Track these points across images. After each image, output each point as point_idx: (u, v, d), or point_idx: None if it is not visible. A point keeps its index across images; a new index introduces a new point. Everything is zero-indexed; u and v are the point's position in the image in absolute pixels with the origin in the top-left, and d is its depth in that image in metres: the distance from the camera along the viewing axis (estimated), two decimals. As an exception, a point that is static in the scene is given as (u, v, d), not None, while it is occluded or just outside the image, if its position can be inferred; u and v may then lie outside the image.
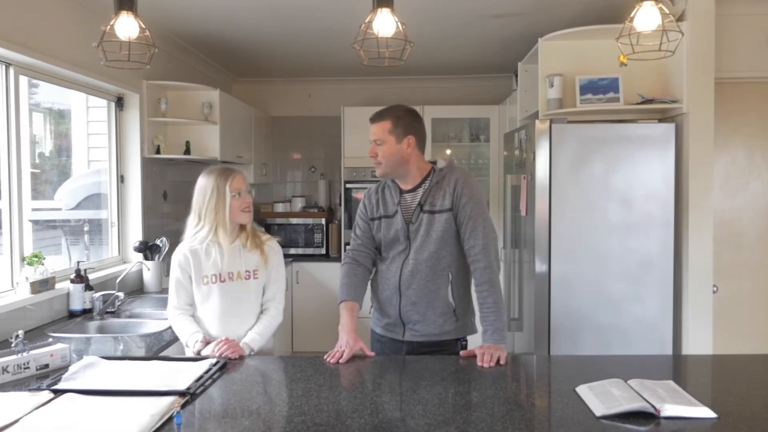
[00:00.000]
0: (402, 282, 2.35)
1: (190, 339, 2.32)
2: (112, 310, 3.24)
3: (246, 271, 2.38)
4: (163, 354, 2.58)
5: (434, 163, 2.44)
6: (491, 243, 2.32)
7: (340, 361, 2.13)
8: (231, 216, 2.34)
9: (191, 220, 2.38)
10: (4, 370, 1.96)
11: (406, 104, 2.45)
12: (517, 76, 4.42)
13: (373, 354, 2.24)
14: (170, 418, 1.60)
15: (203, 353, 2.26)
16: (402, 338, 2.38)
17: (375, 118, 2.40)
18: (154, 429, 1.54)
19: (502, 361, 2.11)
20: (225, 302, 2.35)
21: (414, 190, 2.39)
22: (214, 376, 1.96)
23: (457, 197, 2.32)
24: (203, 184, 2.36)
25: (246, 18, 3.91)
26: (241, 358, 2.22)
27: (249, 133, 5.31)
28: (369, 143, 2.47)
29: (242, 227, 2.41)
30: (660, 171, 3.32)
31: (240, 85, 6.03)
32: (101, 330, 3.10)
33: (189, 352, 2.37)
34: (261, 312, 2.44)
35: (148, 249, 3.84)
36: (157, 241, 3.90)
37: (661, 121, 3.54)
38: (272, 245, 2.47)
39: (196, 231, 2.36)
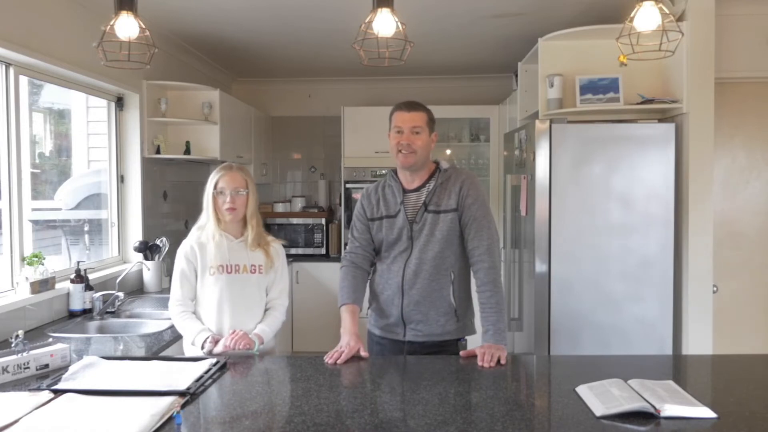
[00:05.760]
0: (405, 282, 2.35)
1: (197, 338, 2.33)
2: (112, 310, 3.24)
3: (251, 265, 2.42)
4: (163, 354, 2.57)
5: (437, 163, 2.44)
6: (495, 244, 2.33)
7: (338, 361, 2.13)
8: (219, 212, 2.40)
9: (202, 214, 2.46)
10: (4, 370, 1.96)
11: None
12: (517, 76, 4.42)
13: (367, 354, 2.23)
14: (170, 418, 1.60)
15: (215, 352, 2.27)
16: (403, 338, 2.38)
17: (413, 107, 2.36)
18: (154, 429, 1.54)
19: (502, 361, 2.11)
20: (230, 293, 2.37)
21: (418, 189, 2.39)
22: (214, 376, 1.96)
23: (462, 198, 2.33)
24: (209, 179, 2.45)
25: (246, 18, 3.91)
26: (249, 356, 2.23)
27: (249, 133, 5.31)
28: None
29: (246, 223, 2.44)
30: (660, 171, 3.31)
31: (240, 85, 6.03)
32: (101, 330, 3.10)
33: (193, 350, 2.37)
34: (266, 310, 2.47)
35: (148, 249, 3.84)
36: (157, 241, 3.90)
37: (661, 121, 3.54)
38: (277, 246, 2.52)
39: (201, 225, 2.44)
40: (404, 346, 2.38)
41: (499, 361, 2.10)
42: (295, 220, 5.64)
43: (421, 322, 2.35)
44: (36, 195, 3.32)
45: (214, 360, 2.10)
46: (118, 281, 3.47)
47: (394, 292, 2.37)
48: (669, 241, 3.32)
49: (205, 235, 2.41)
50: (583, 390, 1.79)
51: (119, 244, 3.99)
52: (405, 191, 2.40)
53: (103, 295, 3.25)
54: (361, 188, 5.37)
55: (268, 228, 5.55)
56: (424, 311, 2.34)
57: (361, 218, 2.48)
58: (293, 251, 5.56)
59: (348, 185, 5.47)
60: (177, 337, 2.68)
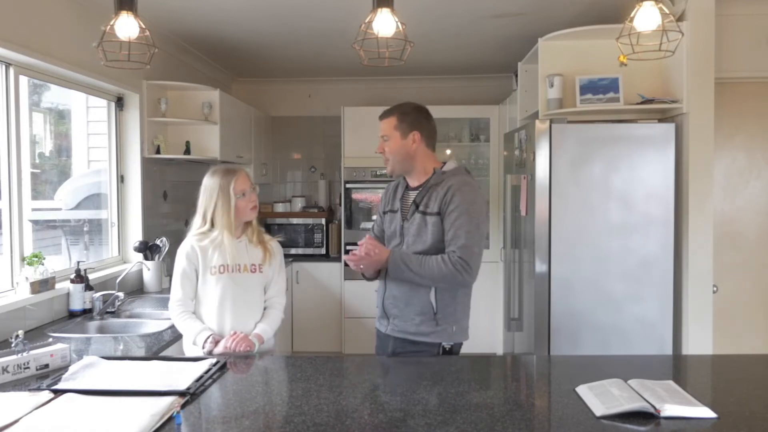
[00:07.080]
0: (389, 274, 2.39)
1: (198, 337, 2.33)
2: (112, 310, 3.24)
3: (252, 265, 2.43)
4: (163, 354, 2.57)
5: (444, 164, 2.44)
6: (468, 251, 2.24)
7: (358, 258, 2.28)
8: (237, 215, 2.39)
9: (196, 220, 2.43)
10: (4, 370, 1.96)
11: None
12: (517, 76, 4.42)
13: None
14: (170, 418, 1.60)
15: (215, 352, 2.28)
16: (386, 331, 2.43)
17: (382, 115, 2.44)
18: (154, 429, 1.54)
19: (363, 252, 2.26)
20: (232, 293, 2.38)
21: (417, 188, 2.43)
22: (214, 376, 1.96)
23: (445, 204, 2.30)
24: (208, 186, 2.40)
25: (246, 18, 3.91)
26: (249, 356, 2.23)
27: (249, 133, 5.31)
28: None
29: (248, 223, 2.46)
30: (660, 171, 3.32)
31: (240, 85, 6.03)
32: (101, 330, 3.10)
33: (195, 350, 2.37)
34: (264, 309, 2.48)
35: (148, 249, 3.84)
36: (157, 241, 3.90)
37: (661, 121, 3.54)
38: (274, 245, 2.54)
39: (202, 231, 2.40)
40: (389, 341, 2.42)
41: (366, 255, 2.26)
42: (295, 220, 5.64)
43: (397, 317, 2.38)
44: (36, 195, 3.32)
45: (214, 360, 2.10)
46: (118, 281, 3.47)
47: (380, 284, 2.46)
48: (669, 241, 3.32)
49: (209, 239, 2.38)
50: (583, 390, 1.79)
51: (119, 244, 3.99)
52: (408, 189, 2.47)
53: (103, 295, 3.25)
54: (361, 188, 5.42)
55: (268, 228, 5.56)
56: (401, 306, 2.37)
57: (379, 212, 2.61)
58: (293, 251, 5.56)
59: (348, 185, 5.47)
60: (177, 337, 2.68)
